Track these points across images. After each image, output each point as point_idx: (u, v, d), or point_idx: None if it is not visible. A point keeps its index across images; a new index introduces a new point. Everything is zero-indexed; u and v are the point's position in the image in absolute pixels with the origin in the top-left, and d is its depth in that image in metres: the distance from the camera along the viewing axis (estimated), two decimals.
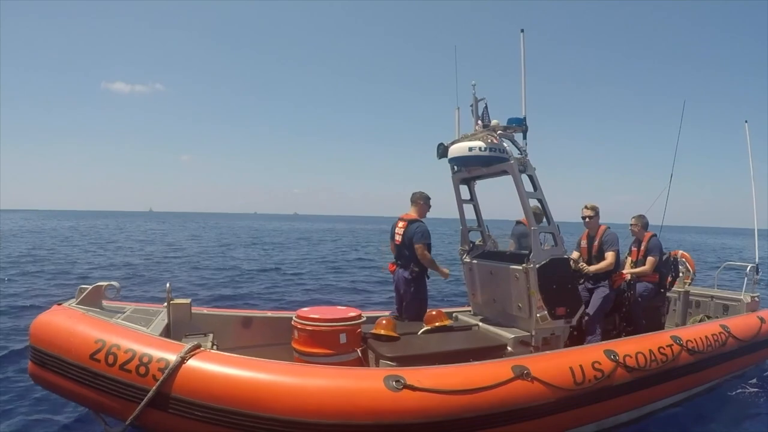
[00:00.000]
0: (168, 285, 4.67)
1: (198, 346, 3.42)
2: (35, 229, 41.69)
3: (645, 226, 6.10)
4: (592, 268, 5.48)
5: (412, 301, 5.45)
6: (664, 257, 5.95)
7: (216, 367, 3.30)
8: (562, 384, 3.81)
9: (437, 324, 4.98)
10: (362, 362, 4.41)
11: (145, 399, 3.17)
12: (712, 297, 6.89)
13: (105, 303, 4.28)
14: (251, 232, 47.98)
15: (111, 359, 3.33)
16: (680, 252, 7.18)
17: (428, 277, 5.56)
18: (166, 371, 3.21)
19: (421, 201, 5.53)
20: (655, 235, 6.01)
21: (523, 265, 4.66)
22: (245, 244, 31.43)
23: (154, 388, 3.18)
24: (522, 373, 3.69)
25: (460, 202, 5.68)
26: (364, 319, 4.56)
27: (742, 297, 6.55)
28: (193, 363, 3.29)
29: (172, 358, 3.27)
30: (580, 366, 3.99)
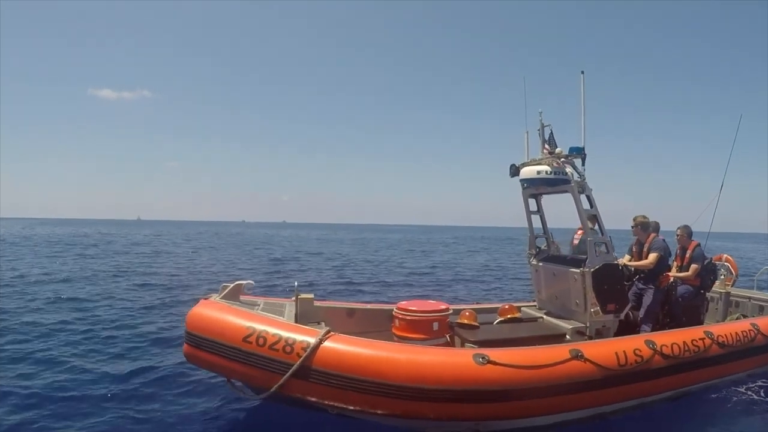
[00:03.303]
0: (296, 283, 5.67)
1: (329, 331, 4.44)
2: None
3: (690, 235, 6.79)
4: (634, 263, 6.41)
5: None
6: (705, 262, 6.69)
7: (345, 347, 4.35)
8: (608, 365, 4.71)
9: (509, 316, 6.04)
10: (450, 345, 5.41)
11: (291, 370, 4.14)
12: (749, 298, 7.49)
13: (242, 297, 5.20)
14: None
15: (261, 341, 4.28)
16: (725, 256, 7.91)
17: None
18: (308, 349, 4.19)
19: None
20: (699, 245, 6.73)
21: (581, 268, 5.59)
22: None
23: (298, 362, 4.15)
24: (577, 355, 4.65)
25: (529, 213, 6.58)
26: (451, 311, 5.61)
27: None
28: (327, 343, 4.29)
29: (312, 340, 4.26)
30: (624, 352, 4.87)
